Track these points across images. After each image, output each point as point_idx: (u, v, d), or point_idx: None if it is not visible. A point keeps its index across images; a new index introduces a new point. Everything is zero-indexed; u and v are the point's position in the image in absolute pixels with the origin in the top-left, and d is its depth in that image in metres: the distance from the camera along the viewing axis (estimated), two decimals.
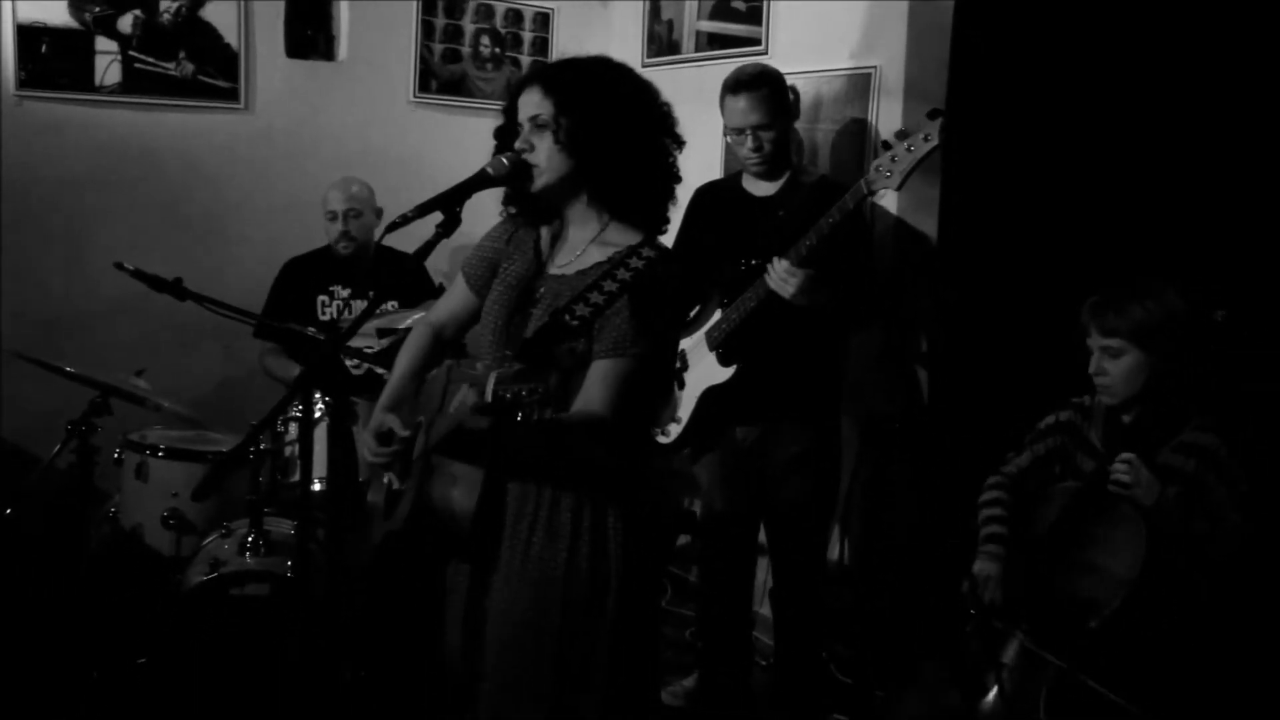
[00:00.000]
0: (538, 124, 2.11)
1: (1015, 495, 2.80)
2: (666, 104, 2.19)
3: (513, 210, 2.26)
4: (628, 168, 2.12)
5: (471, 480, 2.11)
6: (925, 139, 2.88)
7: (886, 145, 2.95)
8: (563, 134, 2.08)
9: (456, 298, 2.38)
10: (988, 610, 2.61)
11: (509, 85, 2.25)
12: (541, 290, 2.17)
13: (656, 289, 2.08)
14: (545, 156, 2.11)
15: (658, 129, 2.15)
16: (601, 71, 2.14)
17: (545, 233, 2.26)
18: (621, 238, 2.15)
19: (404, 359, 2.36)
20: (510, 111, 2.19)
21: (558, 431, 2.07)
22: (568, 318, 1.99)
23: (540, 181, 2.13)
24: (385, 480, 2.36)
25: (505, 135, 2.21)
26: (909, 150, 2.90)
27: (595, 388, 2.04)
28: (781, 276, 2.98)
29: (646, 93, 2.16)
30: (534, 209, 2.23)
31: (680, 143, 2.19)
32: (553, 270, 2.20)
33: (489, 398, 1.80)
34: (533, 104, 2.11)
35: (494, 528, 2.14)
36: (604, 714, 2.13)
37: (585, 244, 2.17)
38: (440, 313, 2.41)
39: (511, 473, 2.14)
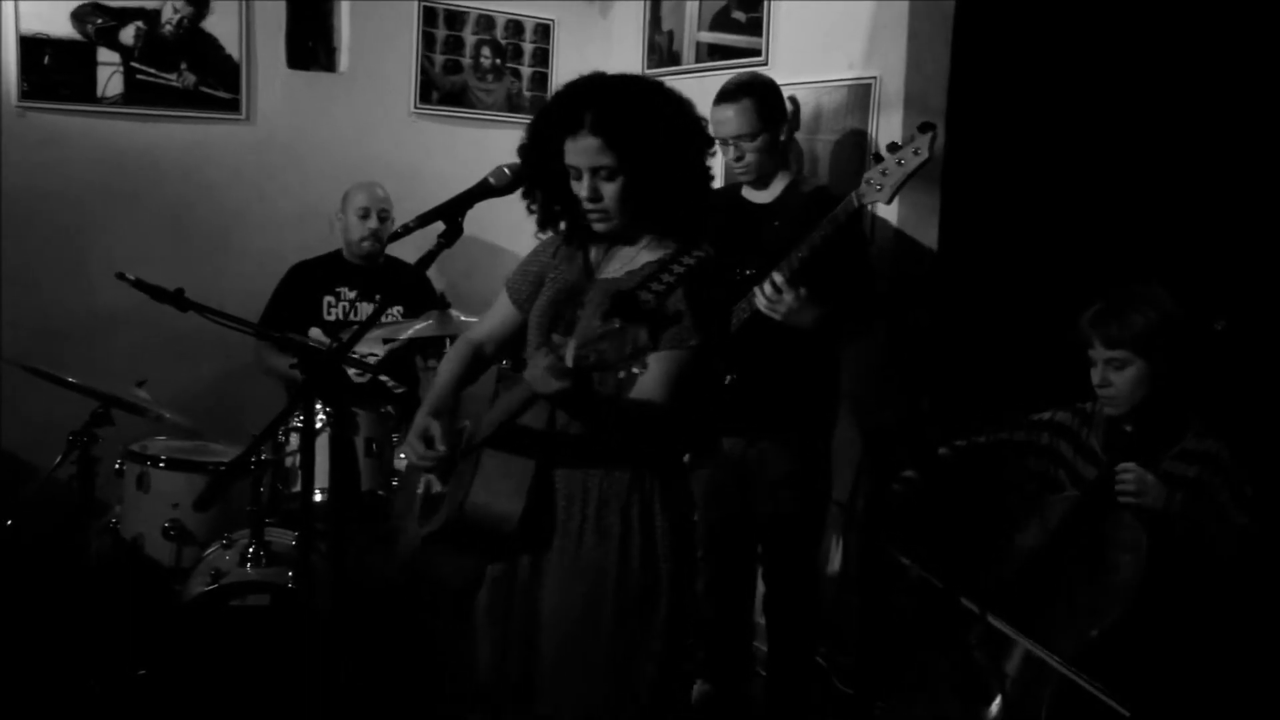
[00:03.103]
0: (603, 176, 2.12)
1: (959, 459, 2.85)
2: (701, 117, 2.23)
3: (567, 237, 2.30)
4: (683, 196, 2.16)
5: (519, 479, 2.11)
6: (915, 153, 2.88)
7: (878, 158, 2.96)
8: (627, 183, 2.11)
9: (500, 315, 2.40)
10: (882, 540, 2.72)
11: (546, 119, 2.20)
12: (590, 295, 2.20)
13: (710, 284, 2.13)
14: (615, 202, 2.13)
15: (701, 147, 2.20)
16: (648, 107, 2.14)
17: (595, 248, 2.29)
18: (670, 243, 2.20)
19: (446, 369, 2.40)
20: (546, 143, 2.17)
21: (620, 407, 2.08)
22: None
23: (612, 225, 2.17)
24: (423, 483, 2.36)
25: (544, 174, 2.20)
26: (899, 164, 2.90)
27: (651, 377, 2.03)
28: (770, 298, 2.98)
29: (689, 115, 2.19)
30: (590, 236, 2.27)
31: (712, 145, 2.26)
32: (602, 276, 2.23)
33: (570, 361, 1.78)
34: (591, 153, 2.10)
35: (543, 527, 2.16)
36: (653, 712, 2.17)
37: (638, 252, 2.22)
38: (483, 330, 2.44)
39: (562, 460, 2.16)
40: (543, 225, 2.28)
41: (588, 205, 2.14)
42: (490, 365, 2.46)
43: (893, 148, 2.94)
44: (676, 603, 2.18)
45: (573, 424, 2.13)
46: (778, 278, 2.97)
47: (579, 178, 2.13)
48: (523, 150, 2.23)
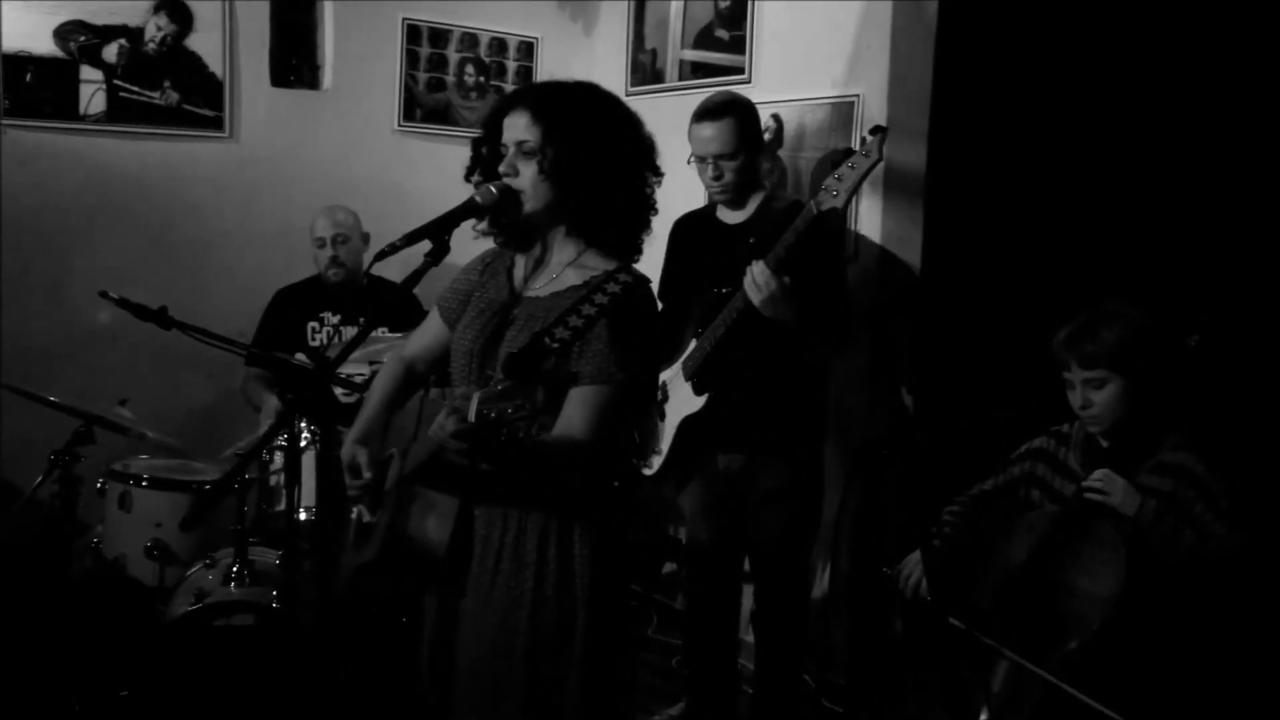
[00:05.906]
0: (524, 150, 2.10)
1: (972, 513, 2.86)
2: (649, 135, 2.19)
3: (497, 237, 2.25)
4: (607, 200, 2.12)
5: (445, 511, 2.10)
6: (866, 155, 2.94)
7: (834, 164, 3.00)
8: (547, 164, 2.08)
9: (430, 332, 2.36)
10: (911, 597, 2.75)
11: (497, 102, 2.23)
12: (516, 312, 2.18)
13: (634, 314, 2.09)
14: (530, 184, 2.10)
15: (640, 162, 2.16)
16: (590, 102, 2.14)
17: (520, 259, 2.26)
18: (598, 263, 2.16)
19: (376, 392, 2.35)
20: (492, 129, 2.18)
21: (538, 453, 2.05)
22: (548, 340, 2.00)
23: (526, 208, 2.13)
24: (355, 513, 2.35)
25: (485, 154, 2.20)
26: (851, 168, 2.94)
27: (576, 413, 2.04)
28: (754, 281, 2.98)
29: (631, 124, 2.16)
30: (516, 234, 2.22)
31: (659, 174, 2.20)
32: (528, 294, 2.20)
33: (472, 418, 1.78)
34: (520, 128, 2.10)
35: (465, 556, 2.13)
36: None
37: (562, 268, 2.17)
38: (413, 347, 2.39)
39: (483, 498, 2.13)
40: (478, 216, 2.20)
41: (505, 181, 2.11)
42: (423, 383, 2.42)
43: (847, 152, 2.99)
44: (596, 635, 2.12)
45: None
46: (759, 265, 2.98)
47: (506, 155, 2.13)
48: (474, 141, 2.23)
